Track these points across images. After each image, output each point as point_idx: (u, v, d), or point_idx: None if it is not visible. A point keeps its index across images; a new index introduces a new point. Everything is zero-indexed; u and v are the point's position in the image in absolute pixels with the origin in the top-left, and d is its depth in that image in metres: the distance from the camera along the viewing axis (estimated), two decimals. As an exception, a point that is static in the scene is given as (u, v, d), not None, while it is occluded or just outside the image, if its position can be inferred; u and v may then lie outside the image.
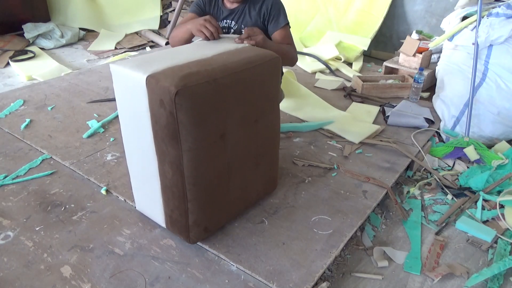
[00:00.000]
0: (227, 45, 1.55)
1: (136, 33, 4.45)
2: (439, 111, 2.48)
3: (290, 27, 1.94)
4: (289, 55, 1.88)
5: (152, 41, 4.29)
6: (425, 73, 2.81)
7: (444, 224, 1.73)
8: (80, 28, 4.35)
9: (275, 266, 1.39)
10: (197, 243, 1.48)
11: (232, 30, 1.92)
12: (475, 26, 2.29)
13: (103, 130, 2.27)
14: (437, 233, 1.68)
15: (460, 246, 1.62)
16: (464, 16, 2.58)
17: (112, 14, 4.55)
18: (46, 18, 4.27)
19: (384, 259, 1.54)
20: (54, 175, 1.88)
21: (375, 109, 2.57)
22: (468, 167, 2.10)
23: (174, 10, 4.55)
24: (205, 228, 1.44)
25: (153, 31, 4.49)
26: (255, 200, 1.66)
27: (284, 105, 2.51)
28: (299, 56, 2.44)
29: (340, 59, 3.47)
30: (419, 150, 2.15)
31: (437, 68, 2.74)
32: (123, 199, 1.73)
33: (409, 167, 2.07)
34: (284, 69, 2.53)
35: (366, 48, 3.51)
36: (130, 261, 1.42)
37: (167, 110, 1.20)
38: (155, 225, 1.58)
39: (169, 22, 4.50)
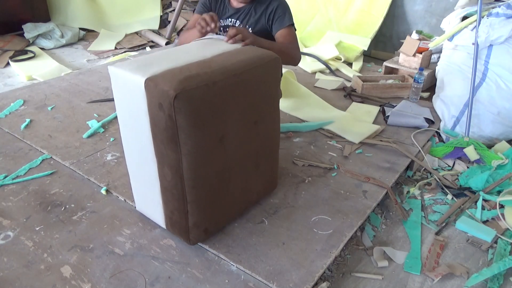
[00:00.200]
0: (226, 45, 1.54)
1: (136, 33, 4.45)
2: (439, 111, 2.48)
3: (295, 29, 1.94)
4: (289, 54, 1.87)
5: (152, 41, 4.29)
6: (425, 73, 2.81)
7: (444, 224, 1.73)
8: (80, 28, 4.35)
9: (275, 266, 1.39)
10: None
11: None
12: (475, 26, 2.29)
13: (103, 130, 2.27)
14: (437, 233, 1.68)
15: (460, 246, 1.62)
16: (464, 16, 2.58)
17: (112, 14, 4.55)
18: (46, 18, 4.27)
19: (384, 259, 1.54)
20: (54, 175, 1.88)
21: (375, 109, 2.57)
22: (468, 167, 2.10)
23: (174, 10, 4.55)
24: (205, 230, 1.44)
25: (153, 31, 4.49)
26: (255, 201, 1.66)
27: (284, 105, 2.51)
28: (299, 56, 2.43)
29: (340, 59, 3.47)
30: (419, 150, 2.15)
31: (437, 68, 2.74)
32: (123, 199, 1.73)
33: (409, 167, 2.07)
34: (284, 69, 2.53)
35: (366, 48, 3.51)
36: (130, 261, 1.42)
37: (166, 114, 1.19)
38: (155, 225, 1.58)
39: (169, 22, 4.50)
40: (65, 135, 2.20)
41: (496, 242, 1.63)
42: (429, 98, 2.75)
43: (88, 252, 1.46)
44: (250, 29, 1.96)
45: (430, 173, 2.07)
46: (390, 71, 3.17)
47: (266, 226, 1.58)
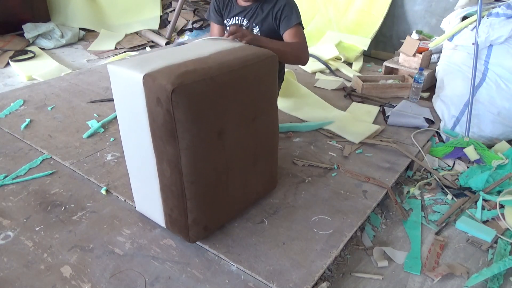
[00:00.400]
0: (224, 44, 1.55)
1: (136, 33, 4.45)
2: (439, 111, 2.48)
3: (303, 28, 1.92)
4: (294, 54, 1.86)
5: (152, 41, 4.29)
6: (425, 73, 2.81)
7: (444, 224, 1.73)
8: (80, 28, 4.35)
9: (275, 266, 1.39)
10: (197, 243, 1.48)
11: (243, 28, 1.92)
12: (475, 26, 2.29)
13: (103, 130, 2.27)
14: (437, 233, 1.68)
15: (460, 246, 1.62)
16: (464, 16, 2.58)
17: (112, 14, 4.55)
18: (46, 18, 4.28)
19: (384, 259, 1.54)
20: (54, 175, 1.88)
21: (375, 109, 2.57)
22: (468, 167, 2.10)
23: (174, 10, 4.55)
24: (204, 227, 1.44)
25: (153, 31, 4.49)
26: (255, 200, 1.66)
27: (284, 105, 2.51)
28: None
29: (340, 59, 3.47)
30: (419, 150, 2.15)
31: (437, 68, 2.74)
32: (123, 199, 1.73)
33: (409, 167, 2.07)
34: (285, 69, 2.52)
35: (366, 48, 3.51)
36: (130, 261, 1.42)
37: (164, 108, 1.20)
38: (155, 225, 1.58)
39: (169, 22, 4.50)
40: (65, 135, 2.20)
41: (496, 242, 1.63)
42: (429, 98, 2.75)
43: (88, 252, 1.46)
44: (257, 27, 1.96)
45: (430, 173, 2.07)
46: (390, 71, 3.16)
47: (266, 226, 1.58)
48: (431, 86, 2.92)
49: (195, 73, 1.24)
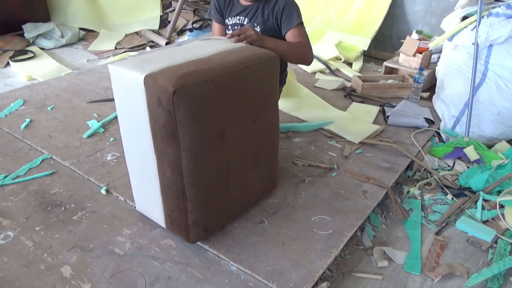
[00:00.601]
0: (225, 44, 1.55)
1: (136, 33, 4.45)
2: (439, 111, 2.48)
3: (304, 27, 1.92)
4: (297, 53, 1.85)
5: (152, 41, 4.29)
6: (425, 73, 2.81)
7: (444, 224, 1.73)
8: (80, 28, 4.35)
9: (275, 266, 1.39)
10: (197, 243, 1.48)
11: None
12: (475, 26, 2.29)
13: (103, 130, 2.27)
14: (437, 233, 1.68)
15: (460, 246, 1.62)
16: (464, 16, 2.58)
17: (112, 14, 4.55)
18: (46, 18, 4.28)
19: (384, 259, 1.54)
20: (54, 175, 1.88)
21: (375, 109, 2.57)
22: (468, 167, 2.10)
23: (174, 10, 4.55)
24: (205, 228, 1.44)
25: (153, 31, 4.49)
26: (255, 200, 1.66)
27: (284, 105, 2.51)
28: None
29: (340, 59, 3.47)
30: (419, 150, 2.15)
31: (437, 68, 2.74)
32: (123, 199, 1.73)
33: (409, 167, 2.07)
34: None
35: (366, 48, 3.51)
36: (130, 261, 1.42)
37: (165, 109, 1.20)
38: (155, 225, 1.58)
39: (169, 22, 4.50)
40: (65, 135, 2.20)
41: (496, 242, 1.63)
42: (429, 98, 2.75)
43: (88, 252, 1.46)
44: (258, 27, 1.95)
45: (430, 173, 2.07)
46: (390, 71, 3.16)
47: (266, 226, 1.58)
48: (431, 86, 2.92)
49: (196, 74, 1.24)
